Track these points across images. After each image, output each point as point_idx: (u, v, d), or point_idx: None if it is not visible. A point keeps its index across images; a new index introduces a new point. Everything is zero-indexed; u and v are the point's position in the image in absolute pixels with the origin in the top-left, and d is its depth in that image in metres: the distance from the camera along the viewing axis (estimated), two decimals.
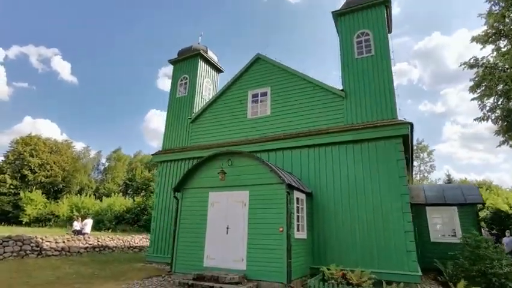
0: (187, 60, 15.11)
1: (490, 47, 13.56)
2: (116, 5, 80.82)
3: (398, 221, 8.81)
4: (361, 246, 9.09)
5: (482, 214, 19.83)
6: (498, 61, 13.16)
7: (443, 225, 11.99)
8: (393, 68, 10.43)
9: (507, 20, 12.80)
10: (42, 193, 38.50)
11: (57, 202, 36.59)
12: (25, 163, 40.48)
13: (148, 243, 17.96)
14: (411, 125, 9.38)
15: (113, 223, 30.73)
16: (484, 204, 11.99)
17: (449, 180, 36.17)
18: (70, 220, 32.05)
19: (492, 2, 12.87)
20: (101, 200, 35.54)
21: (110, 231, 27.04)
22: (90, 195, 37.74)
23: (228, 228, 8.93)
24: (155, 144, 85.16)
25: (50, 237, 12.86)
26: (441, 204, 12.08)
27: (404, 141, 9.60)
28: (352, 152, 10.04)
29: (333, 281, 7.57)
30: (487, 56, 13.53)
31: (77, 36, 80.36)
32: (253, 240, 8.46)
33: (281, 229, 8.14)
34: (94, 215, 29.21)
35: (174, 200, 11.97)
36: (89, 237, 14.70)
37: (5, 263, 10.41)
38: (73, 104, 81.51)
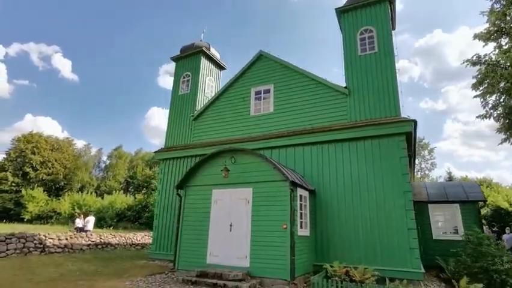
0: (190, 57, 15.08)
1: (492, 45, 13.56)
2: (116, 4, 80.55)
3: (401, 219, 8.83)
4: (364, 244, 9.11)
5: (482, 211, 19.81)
6: (500, 59, 13.16)
7: (445, 223, 12.00)
8: (396, 65, 10.41)
9: (508, 18, 12.78)
10: (44, 190, 38.60)
11: (59, 199, 36.67)
12: (27, 160, 40.55)
13: (150, 241, 18.03)
14: (415, 122, 9.37)
15: (115, 220, 30.84)
16: (485, 201, 11.99)
17: (450, 178, 36.22)
18: (71, 217, 32.13)
19: (494, 0, 12.85)
20: (102, 198, 35.62)
21: (111, 228, 27.13)
22: (91, 193, 37.84)
23: (231, 225, 8.95)
24: (157, 142, 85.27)
25: (53, 234, 12.90)
26: (443, 201, 12.08)
27: (407, 138, 9.60)
28: (355, 150, 10.03)
29: (336, 278, 7.59)
30: (489, 54, 13.54)
31: (78, 34, 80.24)
32: (257, 237, 8.48)
33: (285, 226, 8.15)
34: (96, 213, 29.30)
35: (177, 198, 12.00)
36: (91, 235, 14.74)
37: (8, 260, 10.44)
38: (73, 102, 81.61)
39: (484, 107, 14.07)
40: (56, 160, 43.27)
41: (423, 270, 8.41)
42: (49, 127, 75.15)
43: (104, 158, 55.84)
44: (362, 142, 9.99)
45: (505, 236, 13.29)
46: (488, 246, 8.66)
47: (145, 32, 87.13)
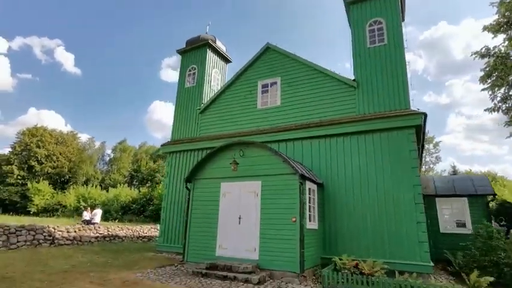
0: (196, 50, 14.98)
1: (501, 37, 13.37)
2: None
3: (410, 212, 8.81)
4: (372, 237, 9.12)
5: None
6: (510, 51, 12.99)
7: (453, 216, 11.97)
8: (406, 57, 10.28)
9: None
10: (49, 184, 38.94)
11: (64, 193, 36.99)
12: (32, 154, 40.84)
13: (156, 233, 18.19)
14: (425, 115, 9.27)
15: (120, 213, 31.09)
16: (495, 195, 11.92)
17: (455, 172, 36.11)
18: (77, 210, 32.47)
19: None
20: (107, 191, 35.86)
21: (116, 221, 27.35)
22: (96, 186, 38.10)
23: (240, 218, 8.97)
24: (159, 135, 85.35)
25: (62, 226, 13.02)
26: (451, 195, 12.04)
27: (416, 131, 9.52)
28: (364, 143, 9.98)
29: (346, 271, 7.62)
30: (499, 46, 13.35)
31: (80, 28, 79.90)
32: (266, 230, 8.50)
33: (294, 219, 8.17)
34: (101, 206, 29.55)
35: (184, 191, 12.07)
36: (99, 227, 14.87)
37: (18, 252, 10.56)
38: (76, 95, 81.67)
39: (493, 100, 13.94)
40: (60, 153, 43.53)
41: (432, 264, 8.41)
42: (53, 121, 75.53)
43: (109, 151, 56.12)
44: (371, 135, 9.92)
45: None
46: (498, 240, 8.65)
47: (147, 28, 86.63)
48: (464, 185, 12.34)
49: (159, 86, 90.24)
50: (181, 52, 15.47)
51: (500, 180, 30.80)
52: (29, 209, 34.80)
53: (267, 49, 12.75)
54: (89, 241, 13.71)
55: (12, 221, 16.15)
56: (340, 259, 8.35)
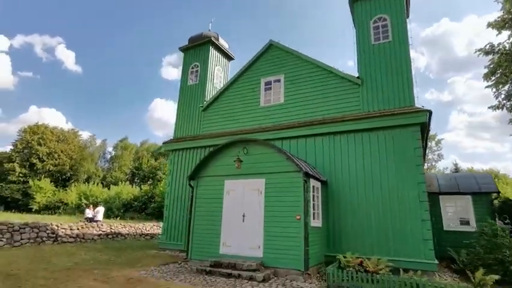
0: (198, 47, 14.91)
1: (506, 33, 13.28)
2: None
3: (415, 210, 8.77)
4: (377, 234, 9.09)
5: None
6: None
7: (456, 214, 11.93)
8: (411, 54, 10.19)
9: None
10: (51, 181, 38.96)
11: (66, 190, 37.02)
12: (33, 152, 40.85)
13: (158, 231, 18.21)
14: (430, 112, 9.22)
15: (122, 211, 31.12)
16: (498, 193, 11.87)
17: (457, 170, 36.02)
18: (78, 208, 32.52)
19: None
20: (108, 188, 35.89)
21: (118, 218, 27.38)
22: (97, 184, 38.12)
23: (244, 216, 8.95)
24: (160, 133, 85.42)
25: (65, 224, 13.04)
26: (455, 193, 11.99)
27: (421, 129, 9.46)
28: (368, 140, 9.93)
29: (350, 269, 7.60)
30: (503, 42, 13.26)
31: (81, 25, 79.73)
32: (270, 227, 8.49)
33: (298, 217, 8.14)
34: (103, 203, 29.59)
35: (187, 188, 12.04)
36: (102, 225, 14.88)
37: (22, 250, 10.58)
38: (77, 93, 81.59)
39: (497, 98, 13.87)
40: (62, 151, 43.53)
41: (437, 262, 8.39)
42: (54, 118, 75.58)
43: (110, 149, 56.14)
44: (375, 133, 9.87)
45: None
46: (503, 238, 8.61)
47: (148, 26, 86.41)
48: (467, 182, 12.30)
49: (160, 83, 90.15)
50: (183, 49, 15.40)
51: (503, 178, 30.73)
52: (31, 207, 34.86)
53: (270, 46, 12.68)
54: (92, 239, 13.72)
55: (15, 218, 16.16)
56: (344, 257, 8.33)
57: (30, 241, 11.42)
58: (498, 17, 13.20)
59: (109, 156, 55.50)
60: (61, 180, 43.50)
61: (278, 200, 8.61)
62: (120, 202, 31.95)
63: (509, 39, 13.10)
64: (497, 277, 7.10)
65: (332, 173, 10.18)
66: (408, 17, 11.50)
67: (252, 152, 9.35)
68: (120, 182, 37.97)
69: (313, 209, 8.91)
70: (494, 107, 13.86)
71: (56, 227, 12.43)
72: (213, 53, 14.83)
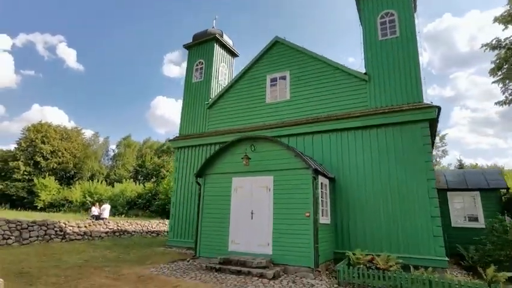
0: (203, 44, 14.84)
1: None
2: None
3: (424, 206, 8.73)
4: (386, 232, 9.05)
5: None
6: None
7: (465, 211, 11.88)
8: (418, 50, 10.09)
9: None
10: (55, 179, 39.20)
11: (70, 188, 37.22)
12: (37, 150, 41.04)
13: (164, 228, 18.26)
14: (439, 108, 9.14)
15: (126, 208, 31.28)
16: (508, 189, 11.79)
17: (461, 166, 35.83)
18: (83, 205, 32.71)
19: None
20: (112, 186, 36.05)
21: (123, 216, 27.51)
22: (101, 181, 38.28)
23: (252, 213, 8.94)
24: (162, 131, 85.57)
25: (72, 222, 13.10)
26: (463, 189, 11.93)
27: (429, 125, 9.39)
28: (376, 137, 9.87)
29: (361, 266, 7.57)
30: (510, 37, 13.09)
31: (81, 22, 79.60)
32: (279, 225, 8.47)
33: (308, 214, 8.12)
34: (108, 201, 29.75)
35: (193, 186, 12.06)
36: (108, 222, 14.94)
37: (31, 247, 10.63)
38: (79, 91, 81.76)
39: (504, 93, 13.71)
40: (65, 149, 43.71)
41: (447, 258, 8.35)
42: (56, 117, 75.94)
43: (113, 146, 56.29)
44: (383, 129, 9.81)
45: None
46: None
47: (149, 24, 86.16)
48: (475, 178, 12.23)
49: (161, 81, 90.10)
50: (187, 47, 15.34)
51: (508, 174, 30.50)
52: (36, 204, 35.10)
53: (276, 43, 12.59)
54: (99, 236, 13.78)
55: (22, 216, 16.27)
56: (354, 254, 8.32)
57: (38, 239, 11.48)
58: (505, 12, 13.02)
59: (112, 154, 55.68)
60: (65, 178, 43.74)
61: (287, 197, 8.58)
62: (124, 200, 32.10)
63: None
64: (510, 274, 7.06)
65: (339, 170, 10.14)
66: (415, 11, 11.37)
67: (260, 149, 9.31)
68: (124, 180, 38.11)
69: (322, 206, 8.88)
70: (501, 103, 13.71)
71: (63, 225, 12.49)
72: (217, 50, 14.76)
